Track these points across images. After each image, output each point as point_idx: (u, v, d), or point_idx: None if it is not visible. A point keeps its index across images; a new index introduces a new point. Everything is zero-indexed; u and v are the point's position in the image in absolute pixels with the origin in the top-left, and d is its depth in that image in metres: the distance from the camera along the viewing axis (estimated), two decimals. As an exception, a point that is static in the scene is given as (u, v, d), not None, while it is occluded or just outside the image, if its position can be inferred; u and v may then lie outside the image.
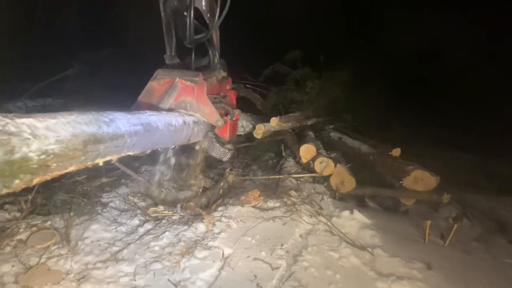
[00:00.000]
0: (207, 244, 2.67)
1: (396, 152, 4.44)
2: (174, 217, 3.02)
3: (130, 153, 1.76)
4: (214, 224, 2.93)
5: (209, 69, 3.14)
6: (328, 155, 4.23)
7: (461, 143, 6.25)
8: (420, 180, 3.81)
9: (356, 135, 5.42)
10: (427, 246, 3.12)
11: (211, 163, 4.62)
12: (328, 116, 6.34)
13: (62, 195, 3.01)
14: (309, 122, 5.85)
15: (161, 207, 3.10)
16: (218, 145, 2.92)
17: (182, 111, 2.57)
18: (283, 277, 2.42)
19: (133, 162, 3.96)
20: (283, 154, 4.84)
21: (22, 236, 2.57)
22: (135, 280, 2.27)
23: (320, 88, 6.83)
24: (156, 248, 2.58)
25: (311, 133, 5.24)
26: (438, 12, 8.43)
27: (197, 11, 2.82)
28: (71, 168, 1.32)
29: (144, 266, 2.39)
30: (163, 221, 2.96)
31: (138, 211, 3.04)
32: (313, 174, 4.10)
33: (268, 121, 4.93)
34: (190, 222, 2.94)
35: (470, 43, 7.55)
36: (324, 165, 4.02)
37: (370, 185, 4.09)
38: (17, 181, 1.10)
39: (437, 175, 3.74)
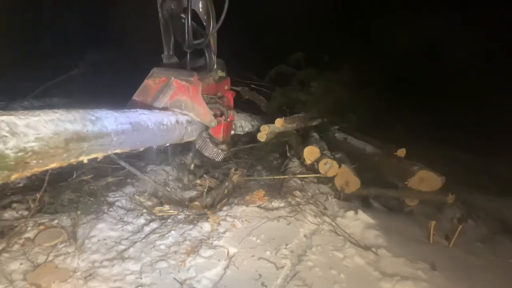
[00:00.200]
0: (212, 243, 2.69)
1: (401, 152, 4.44)
2: (179, 216, 3.04)
3: (118, 151, 1.78)
4: (219, 224, 2.95)
5: (206, 70, 3.15)
6: (332, 156, 4.24)
7: (462, 144, 6.22)
8: (425, 180, 3.81)
9: (360, 136, 5.42)
10: (432, 246, 3.12)
11: (216, 164, 4.65)
12: (333, 117, 6.34)
13: (69, 194, 3.05)
14: (314, 123, 5.86)
15: (166, 206, 3.12)
16: (211, 145, 2.92)
17: (176, 110, 2.58)
18: (287, 276, 2.44)
19: (139, 162, 3.99)
20: (288, 154, 4.86)
21: (30, 235, 2.60)
22: (141, 279, 2.29)
23: (324, 88, 6.85)
24: (162, 247, 2.60)
25: (315, 134, 5.25)
26: (438, 12, 8.41)
27: (193, 12, 2.82)
28: (53, 165, 1.34)
29: (150, 265, 2.41)
30: (169, 220, 2.98)
31: (144, 210, 3.07)
32: (318, 175, 4.11)
33: (268, 121, 4.97)
34: (196, 222, 2.97)
35: (470, 43, 7.53)
36: (329, 166, 4.03)
37: (375, 185, 4.10)
38: (-7, 176, 1.12)
39: (442, 175, 3.74)
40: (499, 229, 3.70)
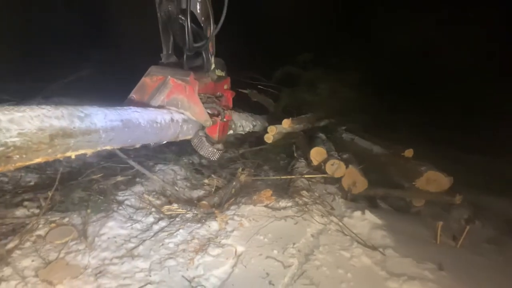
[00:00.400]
0: (220, 242, 2.72)
1: (409, 153, 4.44)
2: (187, 215, 3.07)
3: (108, 147, 1.78)
4: (227, 223, 2.98)
5: (204, 70, 3.14)
6: (339, 157, 4.25)
7: (463, 144, 6.17)
8: (433, 181, 3.81)
9: (367, 136, 5.42)
10: (439, 247, 3.12)
11: (223, 163, 4.69)
12: (340, 117, 6.34)
13: (80, 193, 3.10)
14: (321, 123, 5.87)
15: (175, 205, 3.15)
16: (207, 144, 2.92)
17: (172, 109, 2.58)
18: (295, 275, 2.46)
19: (147, 161, 4.04)
20: (295, 155, 4.88)
21: (41, 232, 2.64)
22: (150, 276, 2.32)
23: (331, 89, 6.85)
24: (171, 245, 2.64)
25: (322, 135, 5.26)
26: (438, 12, 8.39)
27: (191, 14, 2.80)
28: (38, 160, 1.35)
29: (159, 263, 2.45)
30: (177, 219, 3.02)
31: (153, 209, 3.10)
32: (325, 175, 4.12)
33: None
34: (204, 220, 3.00)
35: (470, 43, 7.49)
36: (336, 167, 4.04)
37: (382, 186, 4.10)
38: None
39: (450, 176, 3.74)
40: (507, 230, 3.68)
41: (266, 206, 3.31)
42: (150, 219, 2.98)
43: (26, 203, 2.99)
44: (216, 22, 2.88)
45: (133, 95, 2.58)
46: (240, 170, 4.04)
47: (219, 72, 3.24)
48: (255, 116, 5.77)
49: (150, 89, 2.59)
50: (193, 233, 2.81)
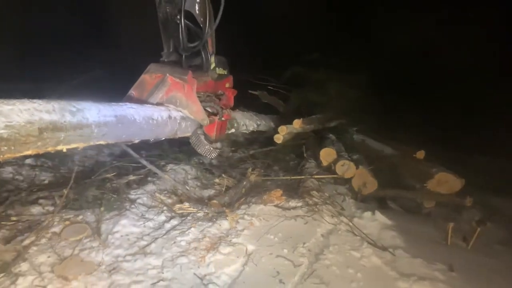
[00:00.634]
0: (231, 240, 2.75)
1: (420, 154, 4.43)
2: (199, 214, 3.11)
3: (101, 142, 1.81)
4: (237, 222, 3.01)
5: (203, 69, 3.13)
6: (349, 158, 4.26)
7: (468, 144, 6.09)
8: (444, 182, 3.80)
9: (378, 137, 5.41)
10: (450, 248, 3.11)
11: (233, 163, 4.72)
12: (350, 118, 6.34)
13: (93, 191, 3.16)
14: (332, 124, 5.88)
15: (186, 204, 3.19)
16: (205, 142, 2.94)
17: (171, 106, 2.61)
18: (305, 274, 2.48)
19: (159, 161, 4.09)
20: (304, 155, 4.89)
21: (56, 229, 2.70)
22: (163, 273, 2.36)
23: (340, 89, 6.85)
24: (182, 243, 2.68)
25: (332, 136, 5.27)
26: (438, 12, 8.34)
27: (190, 14, 2.83)
28: (28, 152, 1.39)
29: (171, 260, 2.48)
30: (189, 217, 3.05)
31: (165, 208, 3.15)
32: (335, 176, 4.13)
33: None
34: (214, 219, 3.03)
35: (470, 43, 7.43)
36: (346, 167, 4.05)
37: (392, 187, 4.10)
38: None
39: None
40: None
41: (276, 205, 3.33)
42: (162, 217, 3.02)
43: (41, 201, 3.06)
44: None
45: (133, 91, 2.63)
46: (250, 170, 4.07)
47: (220, 71, 3.25)
48: (260, 115, 5.77)
49: (149, 86, 2.63)
50: (204, 231, 2.84)
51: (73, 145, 1.61)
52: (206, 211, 3.15)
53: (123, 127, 1.92)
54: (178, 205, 3.17)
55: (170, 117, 2.46)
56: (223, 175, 4.09)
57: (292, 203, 3.40)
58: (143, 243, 2.65)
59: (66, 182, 3.31)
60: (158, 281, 2.28)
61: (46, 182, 3.55)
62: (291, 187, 3.90)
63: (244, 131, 5.23)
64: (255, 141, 5.95)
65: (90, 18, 8.04)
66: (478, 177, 4.03)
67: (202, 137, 2.93)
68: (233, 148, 5.37)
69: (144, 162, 3.60)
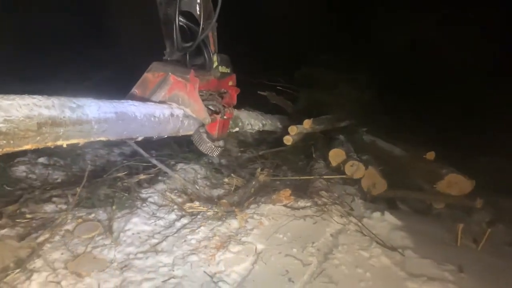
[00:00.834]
0: (240, 239, 2.78)
1: (430, 155, 4.42)
2: (208, 213, 3.14)
3: (102, 138, 1.82)
4: (246, 221, 3.03)
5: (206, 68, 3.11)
6: (359, 158, 4.26)
7: (475, 145, 6.02)
8: (454, 184, 3.79)
9: (388, 138, 5.40)
10: (459, 249, 3.10)
11: (242, 163, 4.75)
12: (360, 118, 6.33)
13: (105, 190, 3.21)
14: (342, 124, 5.88)
15: (196, 203, 3.22)
16: (207, 140, 2.93)
17: (173, 104, 2.60)
18: (314, 273, 2.49)
19: (169, 160, 4.13)
20: (313, 156, 4.91)
21: (69, 227, 2.74)
22: (174, 271, 2.39)
23: (350, 90, 6.86)
24: (193, 241, 2.71)
25: (341, 136, 5.27)
26: (438, 12, 8.29)
27: (191, 15, 2.81)
28: (27, 147, 1.40)
29: (181, 258, 2.52)
30: (198, 216, 3.08)
31: (175, 207, 3.18)
32: (344, 176, 4.14)
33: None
34: (224, 218, 3.06)
35: (470, 43, 7.37)
36: (355, 168, 4.06)
37: (402, 188, 4.09)
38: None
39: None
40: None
41: (285, 205, 3.35)
42: (173, 216, 3.06)
43: (54, 199, 3.11)
44: (217, 21, 2.86)
45: (135, 89, 2.63)
46: (259, 170, 4.09)
47: (223, 69, 3.22)
48: (266, 115, 5.78)
49: (152, 85, 2.63)
50: (214, 230, 2.87)
51: (72, 141, 1.62)
52: (216, 210, 3.17)
53: (124, 123, 1.93)
54: (188, 204, 3.21)
55: (172, 115, 2.47)
56: (232, 174, 4.12)
57: (301, 203, 3.42)
58: (154, 241, 2.69)
59: (78, 181, 3.37)
60: (169, 279, 2.32)
61: (59, 180, 3.61)
62: (300, 187, 3.91)
63: (250, 131, 5.24)
64: (264, 141, 5.98)
65: (90, 17, 8.07)
66: (488, 178, 3.99)
67: (205, 135, 2.93)
68: (241, 148, 5.39)
69: (155, 162, 3.64)
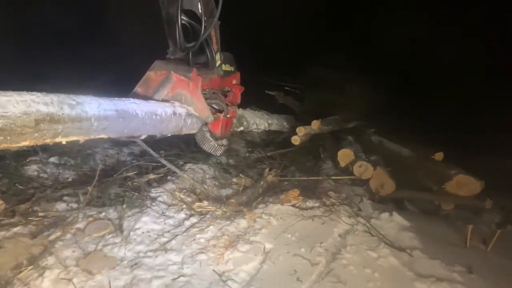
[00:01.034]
0: (249, 238, 2.80)
1: (439, 156, 4.40)
2: (217, 213, 3.16)
3: (103, 136, 1.81)
4: (255, 221, 3.05)
5: (209, 66, 3.10)
6: (367, 159, 4.26)
7: (470, 145, 5.96)
8: (463, 185, 3.77)
9: (396, 139, 5.38)
10: (468, 250, 3.08)
11: (250, 164, 4.77)
12: (368, 119, 6.32)
13: (115, 189, 3.26)
14: (350, 125, 5.87)
15: (205, 203, 3.25)
16: (210, 139, 2.94)
17: (176, 103, 2.59)
18: (322, 273, 2.50)
19: (178, 160, 4.17)
20: (321, 156, 4.91)
21: (80, 225, 2.79)
22: (183, 269, 2.42)
23: (358, 90, 6.85)
24: (202, 240, 2.73)
25: (349, 137, 5.27)
26: (438, 12, 8.24)
27: (193, 14, 2.81)
28: (25, 143, 1.39)
29: (190, 257, 2.54)
30: (207, 215, 3.11)
31: (184, 206, 3.21)
32: (352, 177, 4.14)
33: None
34: (232, 218, 3.08)
35: (470, 43, 7.31)
36: (363, 168, 4.06)
37: (410, 188, 4.07)
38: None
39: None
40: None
41: (293, 205, 3.36)
42: (182, 215, 3.08)
43: (65, 198, 3.17)
44: (219, 19, 2.85)
45: (138, 88, 2.63)
46: (267, 170, 4.11)
47: (227, 67, 3.22)
48: (272, 115, 5.78)
49: (155, 83, 2.63)
50: (222, 229, 2.89)
51: (72, 138, 1.61)
52: (224, 209, 3.20)
53: (125, 121, 1.92)
54: (197, 204, 3.23)
55: (174, 113, 2.46)
56: (240, 175, 4.14)
57: (309, 203, 3.43)
58: (164, 239, 2.72)
59: (88, 180, 3.42)
60: (179, 277, 2.34)
61: (69, 180, 3.67)
62: (308, 187, 3.92)
63: (256, 130, 5.25)
64: (272, 142, 6.00)
65: (90, 17, 8.11)
66: (497, 178, 3.94)
67: (208, 134, 2.94)
68: (249, 149, 5.42)
69: (164, 162, 3.68)
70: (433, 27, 8.07)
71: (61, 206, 3.05)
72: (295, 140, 4.78)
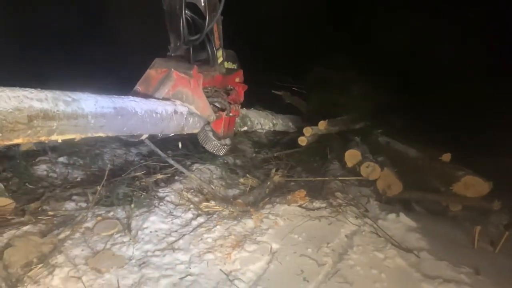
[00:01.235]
0: (255, 238, 2.81)
1: (446, 157, 4.38)
2: (224, 212, 3.18)
3: (101, 134, 1.75)
4: (262, 221, 3.06)
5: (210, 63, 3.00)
6: (374, 160, 4.25)
7: (478, 145, 5.90)
8: (471, 186, 3.75)
9: (403, 139, 5.37)
10: (476, 251, 3.07)
11: (257, 164, 4.79)
12: (375, 120, 6.31)
13: (124, 189, 3.29)
14: (357, 126, 5.87)
15: (212, 202, 3.27)
16: (213, 138, 2.89)
17: (177, 102, 2.51)
18: (329, 273, 2.50)
19: (185, 160, 4.19)
20: (328, 157, 4.91)
21: (89, 224, 2.82)
22: (190, 268, 2.44)
23: (365, 91, 6.84)
24: (209, 240, 2.75)
25: (356, 138, 5.26)
26: (438, 12, 8.19)
27: (195, 7, 2.72)
28: (18, 141, 1.35)
29: (198, 256, 2.56)
30: (214, 215, 3.13)
31: (191, 206, 3.23)
32: (359, 178, 4.13)
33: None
34: (239, 218, 3.10)
35: (470, 43, 7.26)
36: (371, 169, 4.05)
37: (418, 189, 4.06)
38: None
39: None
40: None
41: (300, 206, 3.37)
42: (189, 215, 3.11)
43: (74, 197, 3.21)
44: (222, 14, 2.78)
45: (138, 87, 2.55)
46: (273, 170, 4.12)
47: (229, 65, 3.14)
48: (276, 115, 5.77)
49: (155, 82, 2.55)
50: (229, 229, 2.91)
51: (68, 136, 1.55)
52: (231, 210, 3.21)
53: (123, 119, 1.85)
54: (204, 204, 3.25)
55: (175, 111, 2.39)
56: (247, 175, 4.16)
57: (316, 204, 3.43)
58: (171, 239, 2.74)
59: (97, 180, 3.46)
60: (186, 276, 2.36)
61: (78, 179, 3.71)
62: (315, 188, 3.93)
63: (260, 131, 5.26)
64: (278, 142, 6.01)
65: (91, 17, 8.13)
66: (497, 178, 3.90)
67: (210, 133, 2.89)
68: (256, 149, 5.43)
69: (171, 162, 3.69)
70: (433, 27, 8.03)
71: (70, 205, 3.09)
72: (302, 140, 4.79)
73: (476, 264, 2.76)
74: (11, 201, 2.93)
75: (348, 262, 2.64)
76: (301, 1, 9.34)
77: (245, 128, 4.29)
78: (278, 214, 3.19)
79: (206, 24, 2.71)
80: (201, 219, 3.05)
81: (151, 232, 2.81)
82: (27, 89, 1.39)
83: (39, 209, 2.98)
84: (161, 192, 3.37)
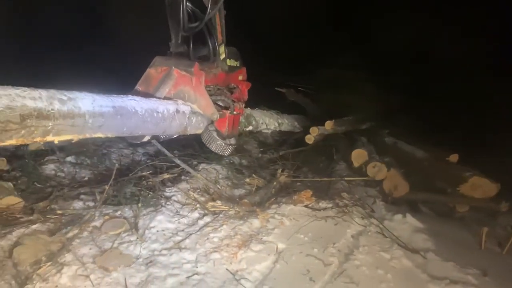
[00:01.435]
0: (261, 238, 2.82)
1: (454, 158, 4.36)
2: (230, 212, 3.19)
3: (100, 135, 1.70)
4: (268, 221, 3.07)
5: (210, 60, 2.94)
6: (381, 160, 4.24)
7: (478, 145, 5.84)
8: (478, 187, 3.73)
9: (410, 140, 5.34)
10: (483, 253, 3.06)
11: (263, 164, 4.79)
12: (382, 120, 6.29)
13: (131, 188, 3.32)
14: (364, 126, 5.85)
15: (219, 202, 3.28)
16: (217, 138, 2.86)
17: (179, 101, 2.44)
18: (335, 273, 2.51)
19: (191, 160, 4.21)
20: (334, 157, 4.90)
21: (97, 223, 2.85)
22: (197, 267, 2.46)
23: (372, 91, 6.82)
24: (215, 239, 2.76)
25: (363, 138, 5.25)
26: (438, 12, 8.14)
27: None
28: (11, 142, 1.29)
29: (204, 255, 2.58)
30: (221, 215, 3.14)
31: (198, 205, 3.25)
32: (365, 178, 4.12)
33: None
34: (246, 218, 3.10)
35: (471, 43, 7.21)
36: (377, 169, 4.04)
37: (424, 190, 4.04)
38: None
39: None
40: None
41: (306, 206, 3.37)
42: (196, 214, 3.12)
43: (82, 196, 3.25)
44: (224, 8, 2.74)
45: (139, 87, 2.50)
46: (279, 171, 4.12)
47: (232, 62, 3.09)
48: (282, 114, 5.76)
49: (155, 81, 2.49)
50: (236, 229, 2.92)
51: (65, 137, 1.49)
52: (238, 209, 3.22)
53: (123, 118, 1.79)
54: (210, 203, 3.26)
55: (177, 111, 2.31)
56: (253, 175, 4.16)
57: (322, 204, 3.43)
58: (178, 238, 2.76)
59: (104, 179, 3.50)
60: (193, 275, 2.38)
61: (86, 179, 3.75)
62: (321, 188, 3.92)
63: (265, 131, 5.25)
64: (285, 142, 6.00)
65: (91, 17, 8.14)
66: (497, 179, 3.86)
67: (214, 133, 2.86)
68: (262, 149, 5.44)
69: (178, 161, 3.72)
70: (433, 27, 7.99)
71: (78, 204, 3.12)
72: (309, 138, 4.79)
73: (483, 265, 2.75)
74: (20, 200, 2.98)
75: (354, 262, 2.64)
76: (301, 1, 9.32)
77: (250, 127, 4.28)
78: (284, 214, 3.19)
79: (208, 8, 2.62)
80: (207, 219, 3.06)
81: (158, 231, 2.83)
82: (19, 87, 1.34)
83: (48, 208, 3.02)
84: (168, 192, 3.39)
